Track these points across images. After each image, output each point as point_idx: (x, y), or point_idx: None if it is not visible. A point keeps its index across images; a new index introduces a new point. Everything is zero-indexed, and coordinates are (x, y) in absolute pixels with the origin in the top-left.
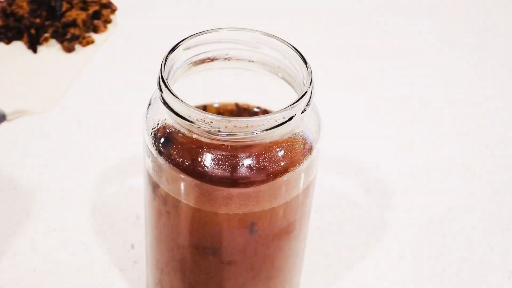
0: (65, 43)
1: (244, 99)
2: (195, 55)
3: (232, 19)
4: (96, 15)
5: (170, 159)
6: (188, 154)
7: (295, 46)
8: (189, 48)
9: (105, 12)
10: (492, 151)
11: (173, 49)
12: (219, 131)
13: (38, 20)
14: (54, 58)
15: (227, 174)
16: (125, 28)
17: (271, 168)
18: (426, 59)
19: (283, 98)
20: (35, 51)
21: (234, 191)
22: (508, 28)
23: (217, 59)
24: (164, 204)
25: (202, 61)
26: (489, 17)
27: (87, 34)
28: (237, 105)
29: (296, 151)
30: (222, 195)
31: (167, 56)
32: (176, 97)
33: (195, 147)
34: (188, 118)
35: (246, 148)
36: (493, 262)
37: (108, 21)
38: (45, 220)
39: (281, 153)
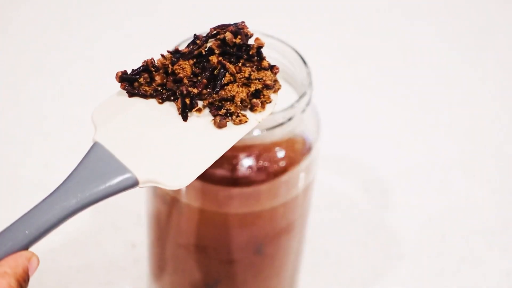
0: (218, 118)
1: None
2: None
3: (232, 20)
4: (257, 93)
5: None
6: None
7: (294, 47)
8: None
9: (266, 92)
10: (492, 151)
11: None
12: None
13: (195, 90)
14: (202, 130)
15: (228, 174)
16: (125, 28)
17: (271, 168)
18: (426, 60)
19: (283, 98)
20: (185, 119)
21: (235, 190)
22: (508, 29)
23: None
24: (165, 203)
25: None
26: (489, 17)
27: (242, 112)
28: None
29: (296, 151)
30: (222, 194)
31: None
32: None
33: None
34: None
35: (246, 148)
36: (492, 262)
37: (267, 101)
38: None
39: (281, 153)
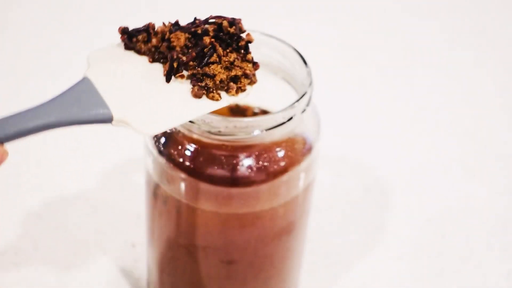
0: (195, 88)
1: (244, 99)
2: None
3: None
4: (235, 78)
5: (170, 159)
6: (188, 154)
7: (294, 47)
8: None
9: (244, 80)
10: (492, 151)
11: None
12: (219, 131)
13: (184, 59)
14: (179, 95)
15: (227, 174)
16: None
17: (271, 168)
18: (426, 60)
19: (283, 98)
20: (168, 81)
21: (234, 191)
22: (507, 29)
23: None
24: (165, 203)
25: None
26: (489, 18)
27: (218, 91)
28: (237, 105)
29: (296, 151)
30: (222, 195)
31: None
32: None
33: (195, 147)
34: None
35: (246, 148)
36: (492, 262)
37: (242, 89)
38: (46, 220)
39: (281, 153)
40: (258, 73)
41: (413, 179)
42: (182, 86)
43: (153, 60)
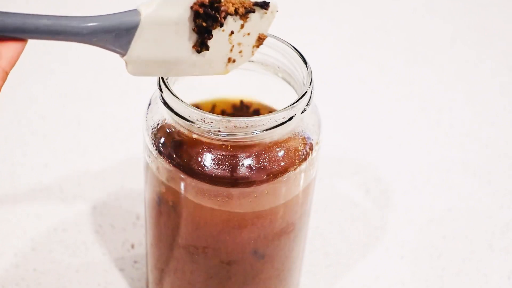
0: (199, 47)
1: (244, 99)
2: None
3: None
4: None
5: (170, 159)
6: (188, 154)
7: (295, 46)
8: None
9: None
10: (492, 151)
11: None
12: (219, 131)
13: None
14: (188, 58)
15: (227, 174)
16: None
17: (271, 168)
18: (426, 59)
19: (283, 98)
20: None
21: (234, 191)
22: (508, 29)
23: None
24: (164, 204)
25: None
26: (489, 17)
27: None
28: (240, 101)
29: (296, 151)
30: (222, 195)
31: None
32: (176, 97)
33: (195, 147)
34: (188, 118)
35: (246, 148)
36: (492, 262)
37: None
38: (45, 220)
39: (281, 153)
40: (258, 72)
41: (414, 179)
42: (199, 58)
43: (194, 26)
